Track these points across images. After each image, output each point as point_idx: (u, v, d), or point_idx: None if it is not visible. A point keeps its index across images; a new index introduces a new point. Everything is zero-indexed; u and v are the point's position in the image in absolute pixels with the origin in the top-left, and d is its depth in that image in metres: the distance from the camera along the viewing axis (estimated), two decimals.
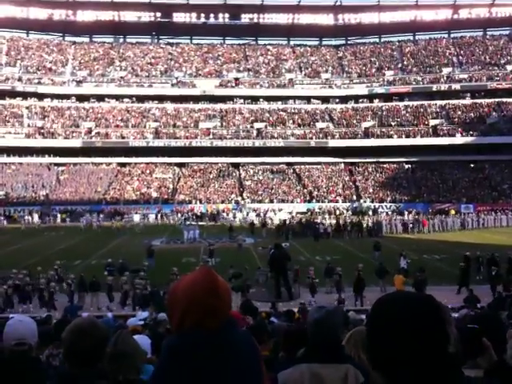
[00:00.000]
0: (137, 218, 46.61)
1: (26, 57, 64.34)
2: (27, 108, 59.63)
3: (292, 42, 73.19)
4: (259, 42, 73.11)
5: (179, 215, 47.22)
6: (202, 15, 68.44)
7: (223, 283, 1.70)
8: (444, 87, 61.53)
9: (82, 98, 61.51)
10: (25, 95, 60.23)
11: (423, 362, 1.24)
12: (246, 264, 20.97)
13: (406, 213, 44.61)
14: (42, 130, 57.36)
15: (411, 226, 38.39)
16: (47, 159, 55.76)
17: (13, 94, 59.74)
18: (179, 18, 68.47)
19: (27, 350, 2.47)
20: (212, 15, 68.56)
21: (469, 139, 55.31)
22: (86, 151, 56.47)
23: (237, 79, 64.84)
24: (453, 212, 44.41)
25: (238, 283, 18.34)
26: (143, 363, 3.01)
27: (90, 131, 58.34)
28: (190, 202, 51.30)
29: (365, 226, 38.36)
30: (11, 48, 65.19)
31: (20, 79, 60.69)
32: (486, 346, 2.14)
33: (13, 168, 54.18)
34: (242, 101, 63.44)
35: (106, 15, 67.22)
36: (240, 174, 56.69)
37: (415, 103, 61.73)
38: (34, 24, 66.40)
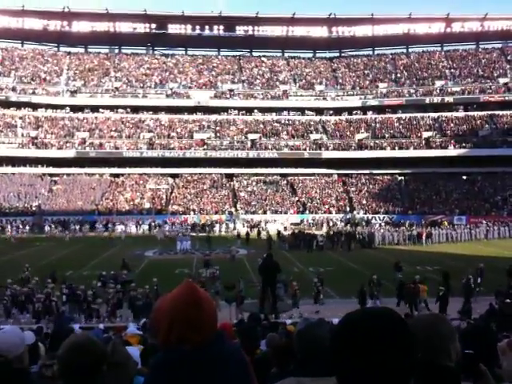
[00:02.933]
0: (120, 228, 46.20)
1: (20, 67, 64.41)
2: (21, 118, 59.56)
3: (286, 54, 73.64)
4: (254, 54, 73.52)
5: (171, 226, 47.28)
6: (197, 27, 68.84)
7: (206, 296, 1.69)
8: (437, 100, 61.99)
9: (76, 108, 61.56)
10: (19, 105, 60.20)
11: (389, 376, 1.24)
12: (239, 275, 20.93)
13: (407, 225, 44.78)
14: (36, 140, 57.26)
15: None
16: (40, 169, 55.56)
17: (6, 103, 59.69)
18: (174, 29, 68.80)
19: (3, 361, 2.42)
20: (207, 27, 68.94)
21: (461, 151, 55.65)
22: (80, 161, 56.36)
23: (231, 90, 65.10)
24: (445, 224, 44.52)
25: (231, 294, 18.32)
26: (134, 374, 3.00)
27: (83, 141, 58.28)
28: (184, 213, 51.19)
29: (358, 237, 38.56)
30: (6, 58, 65.28)
31: (14, 89, 60.67)
32: (483, 372, 2.13)
33: (5, 178, 53.93)
34: (236, 112, 63.65)
35: (102, 26, 67.46)
36: (234, 185, 56.71)
37: (408, 115, 62.13)
38: (29, 34, 66.56)
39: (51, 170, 55.76)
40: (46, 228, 46.50)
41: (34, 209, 50.04)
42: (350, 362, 1.28)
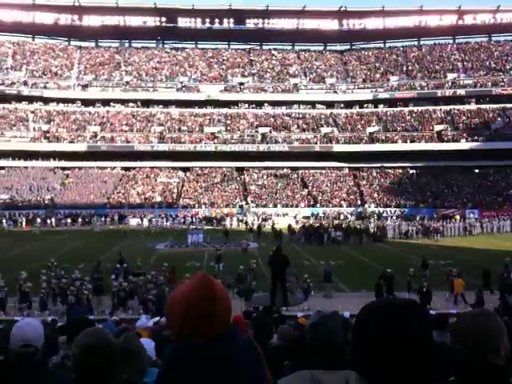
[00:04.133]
0: (133, 222, 46.72)
1: (31, 61, 64.72)
2: (33, 112, 59.91)
3: (297, 47, 73.42)
4: (264, 47, 73.33)
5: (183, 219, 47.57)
6: (207, 20, 68.67)
7: (221, 289, 1.67)
8: (449, 93, 61.50)
9: (87, 102, 61.80)
10: (30, 99, 60.53)
11: (410, 367, 1.24)
12: (250, 268, 20.99)
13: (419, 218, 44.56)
14: (48, 134, 57.60)
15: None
16: (52, 163, 55.93)
17: (18, 98, 60.07)
18: (184, 22, 68.71)
19: (33, 352, 2.47)
20: (217, 20, 68.75)
21: (474, 145, 55.23)
22: (91, 155, 56.63)
23: (241, 84, 65.01)
24: (457, 217, 44.30)
25: (242, 288, 18.42)
26: (147, 365, 3.00)
27: (95, 135, 58.55)
28: (194, 206, 51.34)
29: (372, 231, 38.50)
30: (17, 52, 65.59)
31: (26, 83, 60.99)
32: None
33: (18, 172, 54.35)
34: (246, 105, 63.57)
35: (112, 20, 67.53)
36: (244, 179, 56.73)
37: (420, 108, 61.71)
38: (40, 28, 66.81)
39: (63, 163, 56.11)
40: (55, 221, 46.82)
41: (46, 202, 50.38)
42: (371, 353, 1.28)
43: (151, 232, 41.88)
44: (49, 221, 45.98)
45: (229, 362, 1.57)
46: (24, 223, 45.55)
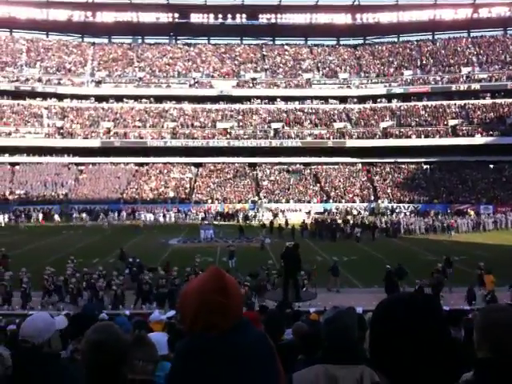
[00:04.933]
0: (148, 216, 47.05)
1: (45, 58, 65.22)
2: (47, 108, 60.40)
3: (309, 42, 73.05)
4: (277, 42, 73.12)
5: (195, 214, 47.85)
6: (220, 16, 68.60)
7: (233, 282, 1.68)
8: (463, 87, 60.80)
9: (100, 98, 62.13)
10: (44, 96, 61.02)
11: (426, 361, 1.24)
12: (263, 264, 21.05)
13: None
14: (62, 130, 58.06)
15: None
16: (66, 159, 56.42)
17: (33, 94, 60.56)
18: (197, 18, 68.76)
19: (29, 347, 2.53)
20: (229, 16, 68.69)
21: (489, 139, 54.56)
22: (105, 151, 57.00)
23: (254, 79, 64.91)
24: (471, 213, 43.91)
25: (254, 283, 18.45)
26: (157, 366, 3.02)
27: (108, 131, 58.89)
28: (207, 202, 51.47)
29: (384, 226, 38.30)
30: (31, 49, 66.12)
31: (40, 80, 61.48)
32: None
33: (33, 167, 54.91)
34: (259, 101, 63.46)
35: (125, 16, 67.80)
36: (257, 174, 56.71)
37: (434, 103, 61.11)
38: (53, 25, 67.26)
39: (77, 159, 56.57)
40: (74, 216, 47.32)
41: (60, 197, 50.85)
42: (389, 349, 1.28)
43: (179, 227, 42.14)
44: (59, 216, 46.40)
45: (242, 354, 1.57)
46: (40, 218, 46.04)
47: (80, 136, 57.75)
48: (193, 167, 57.66)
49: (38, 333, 2.55)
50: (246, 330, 1.64)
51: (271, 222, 40.64)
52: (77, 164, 56.43)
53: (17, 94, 59.76)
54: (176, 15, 68.02)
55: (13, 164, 54.78)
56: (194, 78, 64.69)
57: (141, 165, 57.45)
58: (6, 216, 45.11)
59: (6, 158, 54.88)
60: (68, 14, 66.70)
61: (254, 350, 1.60)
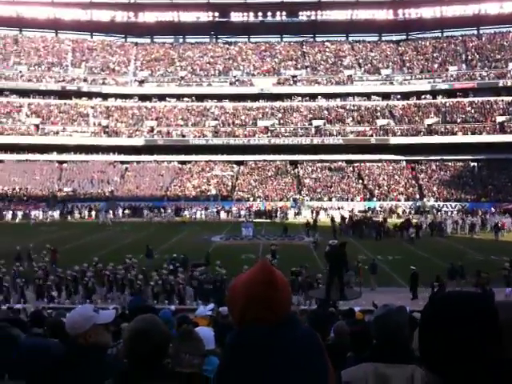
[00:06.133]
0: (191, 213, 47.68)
1: (90, 58, 66.67)
2: (92, 108, 61.75)
3: (351, 38, 72.29)
4: (317, 39, 72.67)
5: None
6: (260, 14, 68.65)
7: (281, 276, 1.67)
8: (511, 82, 59.00)
9: (144, 97, 63.16)
10: (90, 95, 62.44)
11: (477, 361, 1.21)
12: (306, 262, 20.86)
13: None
14: (107, 129, 59.28)
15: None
16: (112, 157, 57.57)
17: (79, 94, 62.07)
18: (237, 17, 68.99)
19: (67, 338, 2.76)
20: (269, 13, 68.67)
21: None
22: (149, 149, 57.95)
23: (295, 77, 64.68)
24: None
25: (298, 281, 18.44)
26: (204, 360, 3.06)
27: (152, 130, 59.80)
28: (249, 200, 51.61)
29: (428, 224, 37.58)
30: (76, 50, 67.71)
31: (85, 80, 62.91)
32: None
33: (79, 165, 56.27)
34: (299, 98, 63.22)
35: (166, 16, 68.61)
36: (298, 172, 56.52)
37: (480, 99, 59.55)
38: (97, 26, 68.67)
39: (122, 157, 57.67)
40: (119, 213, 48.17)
41: (107, 194, 51.91)
42: (440, 347, 1.24)
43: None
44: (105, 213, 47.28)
45: (291, 349, 1.56)
46: (87, 215, 47.14)
47: (124, 134, 58.84)
48: (234, 165, 57.93)
49: (74, 324, 2.68)
50: (295, 324, 1.64)
51: (315, 221, 40.39)
52: (122, 162, 57.51)
53: (63, 94, 61.34)
54: (216, 14, 68.40)
55: (60, 162, 56.28)
56: (235, 77, 64.94)
57: (183, 163, 58.10)
58: (58, 212, 46.48)
59: (54, 156, 56.42)
60: (111, 14, 67.96)
61: (303, 344, 1.60)
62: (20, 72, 61.65)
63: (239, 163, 58.08)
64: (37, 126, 57.91)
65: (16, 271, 19.76)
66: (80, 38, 70.75)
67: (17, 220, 44.52)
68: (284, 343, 1.56)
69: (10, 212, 45.84)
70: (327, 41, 71.42)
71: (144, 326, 2.19)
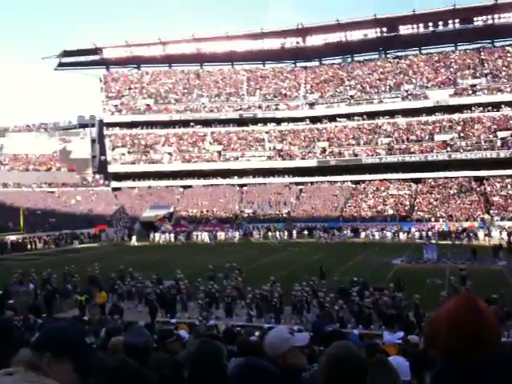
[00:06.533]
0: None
1: (263, 85, 70.20)
2: (267, 133, 64.78)
3: None
4: (496, 44, 67.19)
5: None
6: (430, 24, 65.78)
7: (487, 309, 1.61)
8: None
9: (314, 119, 64.52)
10: (264, 121, 65.70)
11: None
12: (501, 289, 18.59)
13: None
14: (281, 152, 61.57)
15: None
16: (287, 179, 59.58)
17: (254, 120, 65.70)
18: (406, 30, 66.95)
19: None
20: (440, 23, 65.43)
21: None
22: (322, 170, 58.77)
23: (473, 86, 60.47)
24: None
25: (496, 310, 16.46)
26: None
27: (324, 151, 60.58)
28: (430, 220, 49.03)
29: None
30: (250, 79, 71.86)
31: (260, 107, 66.36)
32: None
33: (258, 188, 59.19)
34: (481, 109, 58.87)
35: (334, 37, 69.33)
36: (485, 189, 52.27)
37: None
38: (268, 54, 72.19)
39: (296, 179, 59.33)
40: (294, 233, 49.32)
41: (284, 215, 53.62)
42: None
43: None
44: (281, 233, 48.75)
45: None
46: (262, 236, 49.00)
47: (298, 157, 60.50)
48: (411, 183, 55.75)
49: (273, 345, 2.72)
50: (506, 362, 1.52)
51: (509, 242, 36.82)
52: (296, 183, 59.13)
53: (241, 121, 65.48)
54: (384, 29, 67.22)
55: (241, 185, 59.85)
56: (407, 91, 62.91)
57: (357, 182, 57.67)
58: (239, 232, 49.26)
59: (236, 180, 60.28)
60: (281, 42, 70.88)
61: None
62: (202, 104, 67.38)
63: (417, 181, 55.76)
64: (219, 153, 62.57)
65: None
66: (253, 67, 74.94)
67: (205, 240, 47.98)
68: (497, 378, 1.48)
69: (200, 233, 49.61)
70: (508, 45, 65.59)
71: (343, 353, 2.17)
